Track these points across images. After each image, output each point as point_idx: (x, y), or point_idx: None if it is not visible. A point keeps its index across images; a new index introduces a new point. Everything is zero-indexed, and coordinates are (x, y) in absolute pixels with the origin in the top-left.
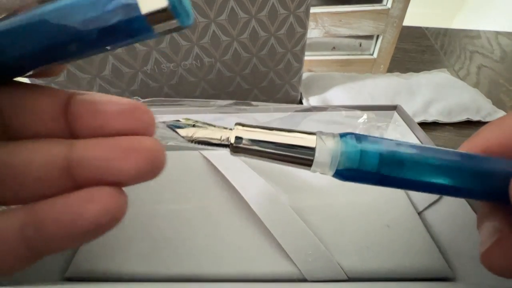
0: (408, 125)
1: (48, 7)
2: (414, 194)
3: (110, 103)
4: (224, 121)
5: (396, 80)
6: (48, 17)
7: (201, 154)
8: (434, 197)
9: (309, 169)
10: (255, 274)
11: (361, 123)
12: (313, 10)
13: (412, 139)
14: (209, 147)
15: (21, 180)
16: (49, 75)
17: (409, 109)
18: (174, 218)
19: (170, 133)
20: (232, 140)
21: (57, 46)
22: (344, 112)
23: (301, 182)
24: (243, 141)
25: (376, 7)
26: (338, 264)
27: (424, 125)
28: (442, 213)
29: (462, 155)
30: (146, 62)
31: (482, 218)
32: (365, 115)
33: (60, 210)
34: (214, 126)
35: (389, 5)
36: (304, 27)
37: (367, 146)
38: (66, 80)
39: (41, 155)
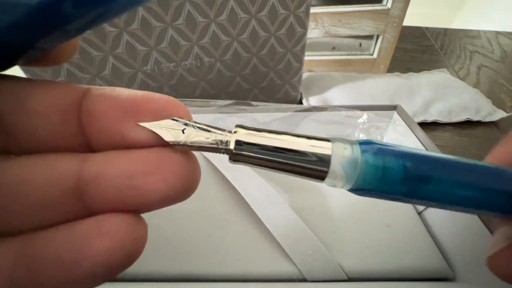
0: (408, 125)
1: None
2: None
3: (140, 98)
4: (224, 121)
5: (396, 80)
6: None
7: (202, 154)
8: None
9: (322, 182)
10: (255, 274)
11: (361, 123)
12: (313, 10)
13: (412, 139)
14: (204, 152)
15: (17, 204)
16: (52, 61)
17: (409, 109)
18: (174, 218)
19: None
20: (232, 146)
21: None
22: (344, 112)
23: (301, 182)
24: (245, 147)
25: (376, 7)
26: (338, 264)
27: (424, 125)
28: (442, 213)
29: (490, 169)
30: (146, 62)
31: (499, 223)
32: (365, 115)
33: (59, 245)
34: (210, 128)
35: (389, 5)
36: (304, 27)
37: (391, 158)
38: (66, 80)
39: (44, 173)
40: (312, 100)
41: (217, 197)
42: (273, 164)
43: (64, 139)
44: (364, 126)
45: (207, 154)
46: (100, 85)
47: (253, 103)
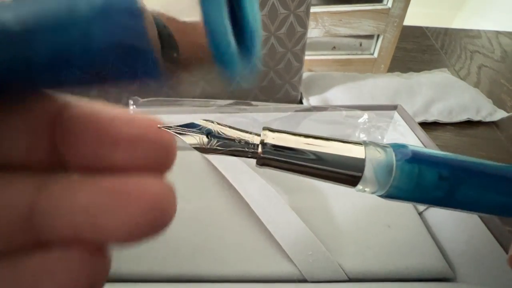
0: (408, 125)
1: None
2: None
3: (118, 121)
4: (224, 121)
5: (396, 80)
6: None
7: (202, 154)
8: None
9: (354, 188)
10: (255, 274)
11: (361, 123)
12: (313, 9)
13: (412, 139)
14: (230, 156)
15: None
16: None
17: (409, 109)
18: (174, 218)
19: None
20: (260, 150)
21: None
22: (344, 112)
23: (301, 182)
24: (273, 151)
25: (377, 6)
26: (338, 264)
27: (424, 125)
28: (443, 213)
29: None
30: None
31: None
32: (365, 115)
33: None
34: (236, 130)
35: (389, 5)
36: (305, 26)
37: (426, 165)
38: None
39: None
40: (312, 100)
41: (217, 197)
42: (302, 169)
43: (33, 154)
44: (364, 126)
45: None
46: None
47: (253, 103)
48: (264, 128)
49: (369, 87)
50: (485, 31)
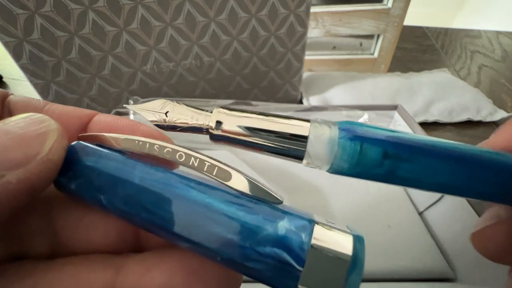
0: (409, 125)
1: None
2: (415, 194)
3: None
4: None
5: (396, 80)
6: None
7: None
8: (435, 197)
9: (301, 162)
10: None
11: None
12: (313, 9)
13: None
14: (187, 133)
15: None
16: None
17: (410, 109)
18: None
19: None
20: (213, 125)
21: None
22: (344, 112)
23: (301, 182)
24: (225, 127)
25: (377, 6)
26: None
27: (425, 125)
28: (443, 213)
29: (474, 150)
30: (145, 62)
31: (489, 205)
32: (365, 115)
33: None
34: (192, 109)
35: (389, 5)
36: (305, 26)
37: (369, 137)
38: (65, 80)
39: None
40: (312, 100)
41: None
42: (253, 144)
43: (115, 246)
44: None
45: (207, 153)
46: (99, 84)
47: (253, 102)
48: (219, 107)
49: (369, 87)
50: (485, 31)
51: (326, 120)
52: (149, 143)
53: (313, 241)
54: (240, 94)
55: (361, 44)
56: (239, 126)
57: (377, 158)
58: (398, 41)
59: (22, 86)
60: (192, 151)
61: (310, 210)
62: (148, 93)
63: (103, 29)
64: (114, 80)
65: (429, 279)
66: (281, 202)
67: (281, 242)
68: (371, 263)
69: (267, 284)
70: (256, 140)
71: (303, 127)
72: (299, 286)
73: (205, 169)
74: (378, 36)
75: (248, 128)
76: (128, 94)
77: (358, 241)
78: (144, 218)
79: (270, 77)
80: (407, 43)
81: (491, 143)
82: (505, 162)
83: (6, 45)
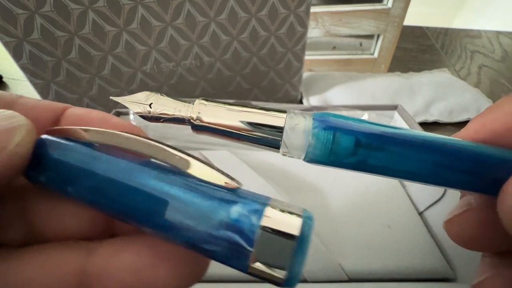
0: (408, 125)
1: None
2: (415, 195)
3: None
4: None
5: (396, 80)
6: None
7: (201, 154)
8: (435, 197)
9: (278, 151)
10: None
11: None
12: (313, 9)
13: None
14: (170, 124)
15: None
16: None
17: (409, 109)
18: None
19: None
20: (194, 116)
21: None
22: (344, 112)
23: (301, 182)
24: (205, 118)
25: (377, 6)
26: (338, 264)
27: (425, 125)
28: (443, 213)
29: (442, 139)
30: (145, 62)
31: (463, 195)
32: (365, 115)
33: None
34: (175, 100)
35: (389, 5)
36: (305, 26)
37: (342, 127)
38: (65, 80)
39: (47, 271)
40: (312, 100)
41: None
42: (232, 134)
43: (89, 233)
44: None
45: (207, 154)
46: (99, 84)
47: (253, 103)
48: (201, 98)
49: (369, 87)
50: (485, 31)
51: (302, 112)
52: (115, 134)
53: (263, 223)
54: (240, 94)
55: (361, 44)
56: (219, 117)
57: (349, 147)
58: (398, 41)
59: (22, 86)
60: (157, 142)
61: (310, 210)
62: None
63: (103, 29)
64: (114, 80)
65: (429, 279)
66: (238, 188)
67: (234, 225)
68: (371, 263)
69: (225, 264)
70: (235, 130)
71: (279, 118)
72: (250, 265)
73: (167, 158)
74: (378, 36)
75: (227, 119)
76: (128, 94)
77: (306, 222)
78: (108, 207)
79: (270, 77)
80: (407, 43)
81: (461, 135)
82: (471, 151)
83: (6, 45)
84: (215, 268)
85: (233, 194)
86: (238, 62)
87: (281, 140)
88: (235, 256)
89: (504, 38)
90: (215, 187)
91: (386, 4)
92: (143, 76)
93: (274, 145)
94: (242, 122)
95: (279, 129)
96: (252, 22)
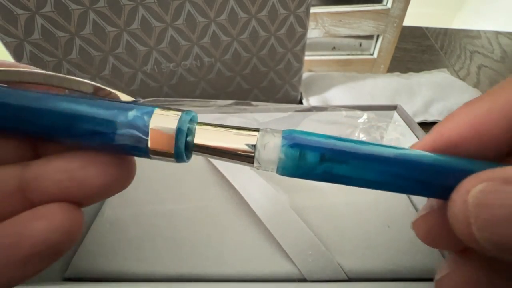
0: (408, 125)
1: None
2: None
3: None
4: (224, 121)
5: (396, 80)
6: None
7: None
8: None
9: (253, 166)
10: (255, 274)
11: (361, 123)
12: (313, 10)
13: (412, 139)
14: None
15: None
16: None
17: (409, 109)
18: (174, 218)
19: None
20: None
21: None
22: (344, 112)
23: (301, 182)
24: (193, 144)
25: (376, 7)
26: (338, 264)
27: (424, 125)
28: None
29: (399, 151)
30: (146, 62)
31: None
32: (365, 115)
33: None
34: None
35: (389, 5)
36: (304, 27)
37: (308, 144)
38: None
39: None
40: (312, 100)
41: (217, 197)
42: (210, 151)
43: (16, 156)
44: (364, 126)
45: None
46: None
47: (253, 103)
48: (198, 123)
49: (369, 87)
50: (484, 31)
51: (274, 129)
52: (19, 71)
53: (152, 119)
54: (240, 95)
55: (360, 45)
56: (198, 137)
57: (314, 162)
58: (398, 41)
59: None
60: (53, 72)
61: (310, 210)
62: (148, 94)
63: (104, 30)
64: (114, 81)
65: (429, 279)
66: (134, 101)
67: (132, 124)
68: (371, 263)
69: (133, 155)
70: (214, 154)
71: (251, 136)
72: (149, 148)
73: (69, 85)
74: (378, 36)
75: (206, 139)
76: (129, 94)
77: (185, 116)
78: (31, 130)
79: (270, 77)
80: (406, 43)
81: (419, 146)
82: (425, 162)
83: (6, 45)
84: (215, 268)
85: (130, 104)
86: (238, 62)
87: (253, 156)
88: (137, 146)
89: (504, 39)
90: (115, 101)
91: (386, 5)
92: (143, 76)
93: (249, 161)
94: (217, 142)
95: (252, 147)
96: (252, 23)
